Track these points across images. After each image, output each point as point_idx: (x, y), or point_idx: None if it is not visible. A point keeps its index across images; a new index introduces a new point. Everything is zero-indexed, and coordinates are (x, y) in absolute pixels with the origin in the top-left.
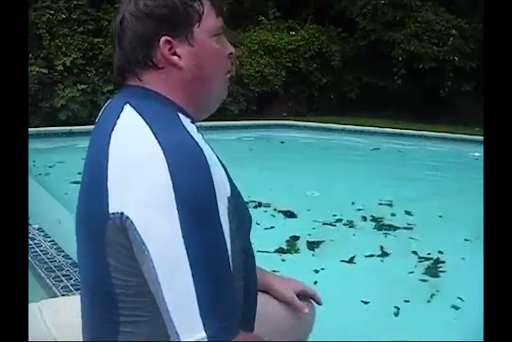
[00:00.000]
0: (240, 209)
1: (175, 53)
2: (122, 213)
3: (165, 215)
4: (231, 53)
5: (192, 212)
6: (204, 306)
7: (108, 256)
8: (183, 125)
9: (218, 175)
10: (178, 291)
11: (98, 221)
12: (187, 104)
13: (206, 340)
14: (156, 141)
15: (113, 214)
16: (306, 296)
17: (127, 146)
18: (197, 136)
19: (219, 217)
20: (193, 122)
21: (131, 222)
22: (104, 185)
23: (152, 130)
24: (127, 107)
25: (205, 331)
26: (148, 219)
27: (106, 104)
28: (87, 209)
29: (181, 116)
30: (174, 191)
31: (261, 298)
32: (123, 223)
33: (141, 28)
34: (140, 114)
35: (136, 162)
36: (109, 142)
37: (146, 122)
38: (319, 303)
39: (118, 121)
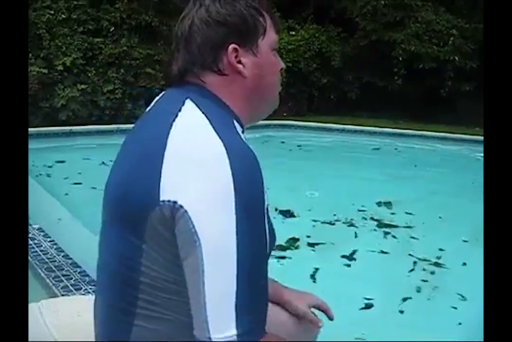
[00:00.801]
0: (269, 221)
1: (240, 62)
2: (175, 202)
3: (223, 210)
4: (281, 69)
5: (248, 212)
6: (241, 304)
7: (145, 242)
8: (238, 132)
9: (264, 184)
10: (220, 285)
11: (143, 206)
12: (242, 112)
13: (235, 338)
14: (220, 141)
15: (163, 201)
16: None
17: (190, 140)
18: (248, 145)
19: (265, 222)
20: (243, 131)
21: (185, 211)
22: (157, 171)
23: (215, 130)
24: (188, 101)
25: (237, 329)
26: (206, 211)
27: (160, 95)
28: (130, 192)
29: (236, 124)
30: (234, 190)
31: (274, 309)
32: (173, 211)
33: (212, 35)
34: (202, 111)
35: (200, 157)
36: (169, 131)
37: (209, 121)
38: (331, 318)
39: (180, 113)
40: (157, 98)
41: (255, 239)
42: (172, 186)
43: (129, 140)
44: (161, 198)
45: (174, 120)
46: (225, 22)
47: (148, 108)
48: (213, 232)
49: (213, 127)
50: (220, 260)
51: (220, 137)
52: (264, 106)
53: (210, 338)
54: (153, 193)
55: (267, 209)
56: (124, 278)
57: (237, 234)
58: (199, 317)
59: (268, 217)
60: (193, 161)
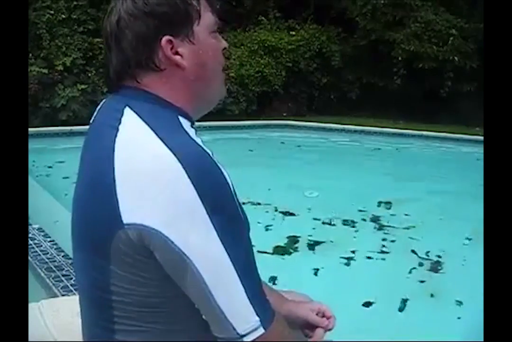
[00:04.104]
0: (241, 208)
1: (177, 53)
2: (143, 225)
3: (198, 221)
4: (224, 48)
5: (222, 215)
6: (251, 295)
7: (112, 263)
8: (185, 130)
9: (227, 176)
10: (227, 288)
11: (105, 229)
12: (187, 105)
13: (260, 323)
14: (168, 150)
15: (127, 224)
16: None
17: (138, 156)
18: (199, 140)
19: (239, 214)
20: (192, 126)
21: (161, 233)
22: (112, 193)
23: (159, 138)
24: (128, 111)
25: (258, 315)
26: (181, 228)
27: (101, 104)
28: (90, 216)
29: (182, 120)
30: (200, 198)
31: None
32: (142, 234)
33: (141, 28)
34: (142, 119)
35: (152, 173)
36: (113, 149)
37: (151, 129)
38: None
39: (121, 127)
40: (98, 107)
41: (239, 237)
42: (133, 208)
43: (81, 161)
44: (125, 221)
45: (116, 135)
46: (154, 13)
47: (92, 119)
48: (199, 247)
49: (157, 134)
50: (217, 270)
51: (167, 145)
52: (210, 93)
53: (239, 334)
54: (113, 217)
55: (236, 197)
56: (98, 299)
57: (221, 240)
58: (219, 322)
59: (239, 204)
60: (147, 178)
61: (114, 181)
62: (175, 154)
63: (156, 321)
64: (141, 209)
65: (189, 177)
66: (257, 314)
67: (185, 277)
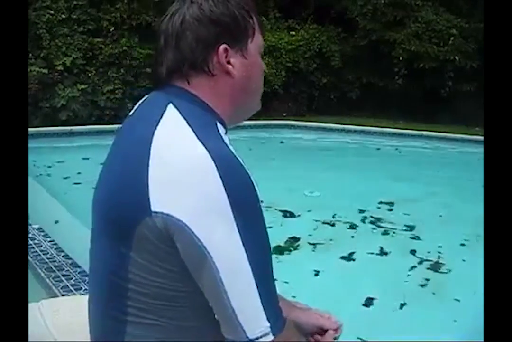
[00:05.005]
0: None
1: (229, 62)
2: (169, 215)
3: (223, 220)
4: (264, 71)
5: (245, 215)
6: (265, 300)
7: (132, 249)
8: (220, 135)
9: (255, 183)
10: (242, 290)
11: (132, 214)
12: (226, 112)
13: (269, 330)
14: (204, 148)
15: (155, 212)
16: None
17: (175, 149)
18: (231, 148)
19: (263, 219)
20: (226, 132)
21: (186, 226)
22: (143, 180)
23: (197, 136)
24: (171, 107)
25: (268, 321)
26: (207, 224)
27: (144, 99)
28: (119, 201)
29: (219, 126)
30: (228, 196)
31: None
32: (168, 223)
33: (203, 32)
34: (184, 117)
35: (186, 167)
36: (151, 140)
37: (191, 127)
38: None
39: (162, 121)
40: (140, 101)
41: (260, 239)
42: (163, 197)
43: (113, 149)
44: (153, 209)
45: (156, 128)
46: (218, 21)
47: (132, 112)
48: (220, 244)
49: (195, 133)
50: (234, 268)
51: (204, 145)
52: (247, 107)
53: (248, 337)
54: (142, 204)
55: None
56: (113, 286)
57: (242, 240)
58: (230, 323)
59: None
60: (181, 172)
61: (148, 169)
62: (210, 154)
63: (169, 315)
64: (170, 199)
65: (220, 177)
66: (268, 320)
67: (203, 271)
